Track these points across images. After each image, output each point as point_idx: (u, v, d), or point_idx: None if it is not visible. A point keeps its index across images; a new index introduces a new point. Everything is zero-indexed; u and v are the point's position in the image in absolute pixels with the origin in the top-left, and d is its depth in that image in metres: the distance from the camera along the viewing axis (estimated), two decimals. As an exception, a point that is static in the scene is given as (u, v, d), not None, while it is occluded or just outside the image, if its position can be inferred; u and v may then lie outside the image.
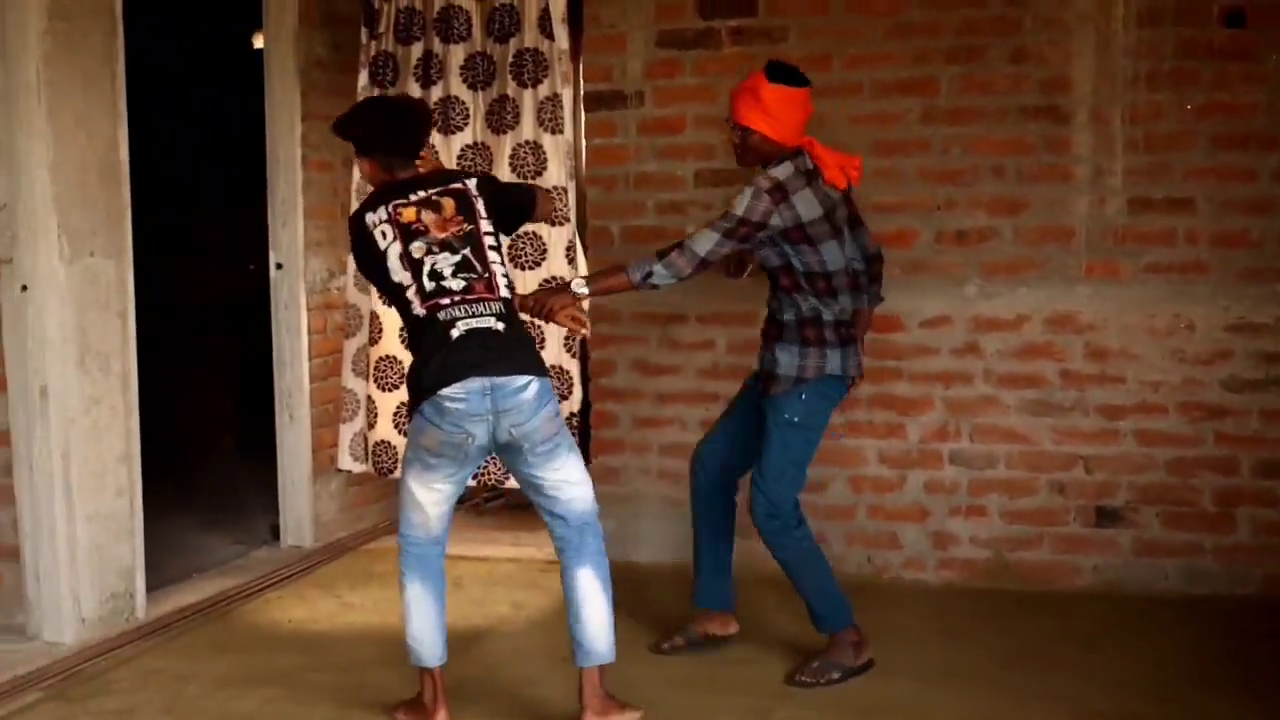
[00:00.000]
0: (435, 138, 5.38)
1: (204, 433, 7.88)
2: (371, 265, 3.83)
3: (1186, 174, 5.04)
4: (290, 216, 5.80)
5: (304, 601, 5.18)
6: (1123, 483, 5.16)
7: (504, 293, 3.78)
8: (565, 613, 3.86)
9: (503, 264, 3.83)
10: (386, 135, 3.91)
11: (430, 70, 5.58)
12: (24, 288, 4.48)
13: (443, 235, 3.75)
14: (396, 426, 5.69)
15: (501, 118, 5.51)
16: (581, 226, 5.67)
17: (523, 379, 3.67)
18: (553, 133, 5.45)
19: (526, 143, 5.47)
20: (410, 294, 3.73)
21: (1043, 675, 4.31)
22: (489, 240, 3.81)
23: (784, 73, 4.19)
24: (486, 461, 5.09)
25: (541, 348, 3.91)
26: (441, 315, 3.68)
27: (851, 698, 4.13)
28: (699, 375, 5.48)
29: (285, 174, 5.79)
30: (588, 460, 5.67)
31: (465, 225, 3.79)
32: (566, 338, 5.43)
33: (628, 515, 5.59)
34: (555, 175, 5.45)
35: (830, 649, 4.26)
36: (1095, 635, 4.69)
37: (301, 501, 5.92)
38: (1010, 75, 5.13)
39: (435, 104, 5.49)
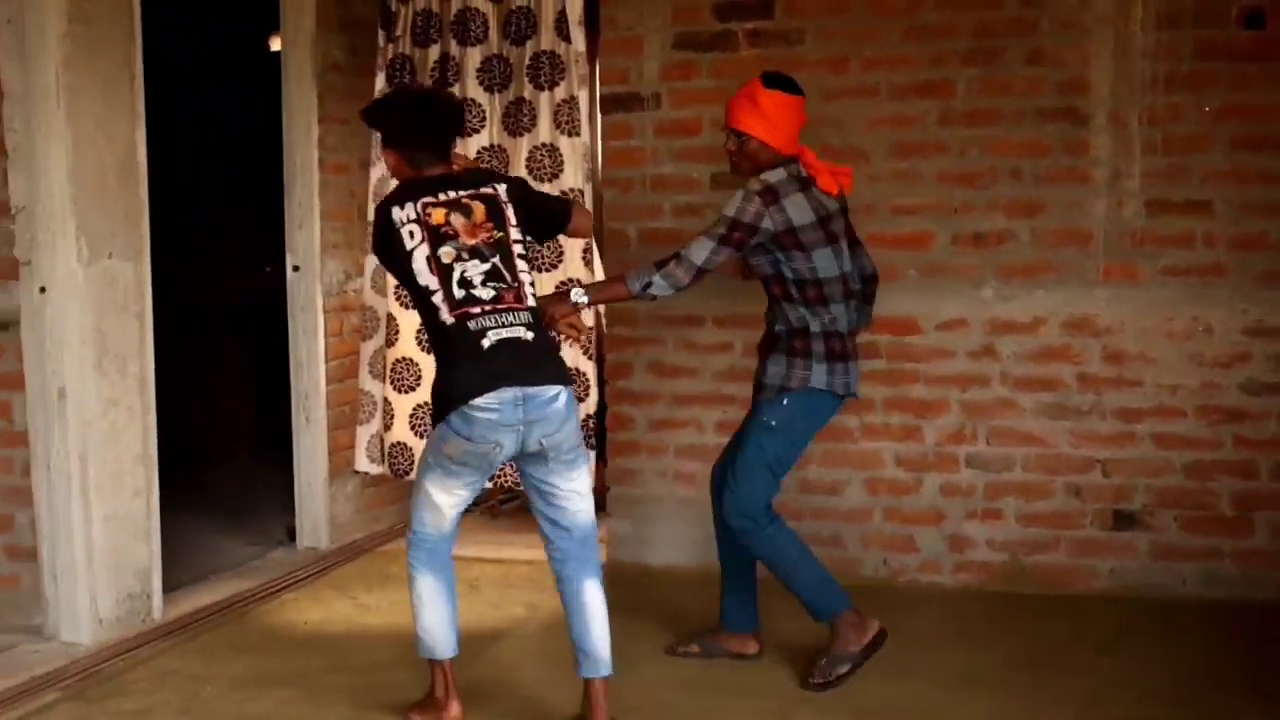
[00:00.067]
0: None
1: (221, 434, 7.89)
2: (394, 261, 3.77)
3: (1205, 176, 5.02)
4: (307, 219, 5.81)
5: (320, 603, 5.20)
6: (1140, 486, 5.14)
7: (531, 302, 3.74)
8: (569, 623, 3.85)
9: (529, 272, 3.79)
10: (413, 129, 3.83)
11: (447, 73, 5.59)
12: (42, 289, 4.51)
13: (472, 241, 3.69)
14: (413, 428, 5.71)
15: (518, 120, 5.52)
16: (598, 229, 5.67)
17: (553, 389, 3.66)
18: (569, 135, 5.46)
19: (543, 145, 5.48)
20: (437, 299, 3.66)
21: (1059, 679, 4.29)
22: (518, 249, 3.76)
23: (780, 80, 4.22)
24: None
25: (557, 350, 3.90)
26: (472, 325, 3.62)
27: (866, 699, 4.12)
28: (716, 377, 5.48)
29: (302, 176, 5.80)
30: (603, 462, 5.70)
31: (495, 232, 3.73)
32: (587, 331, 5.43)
33: (643, 517, 5.59)
34: (572, 177, 5.46)
35: (832, 641, 4.23)
36: (1111, 639, 4.68)
37: (318, 503, 5.93)
38: (1028, 77, 5.12)
39: (452, 106, 5.49)
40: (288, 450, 5.99)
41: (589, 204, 5.49)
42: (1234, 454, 5.05)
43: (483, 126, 5.55)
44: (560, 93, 5.46)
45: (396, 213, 3.72)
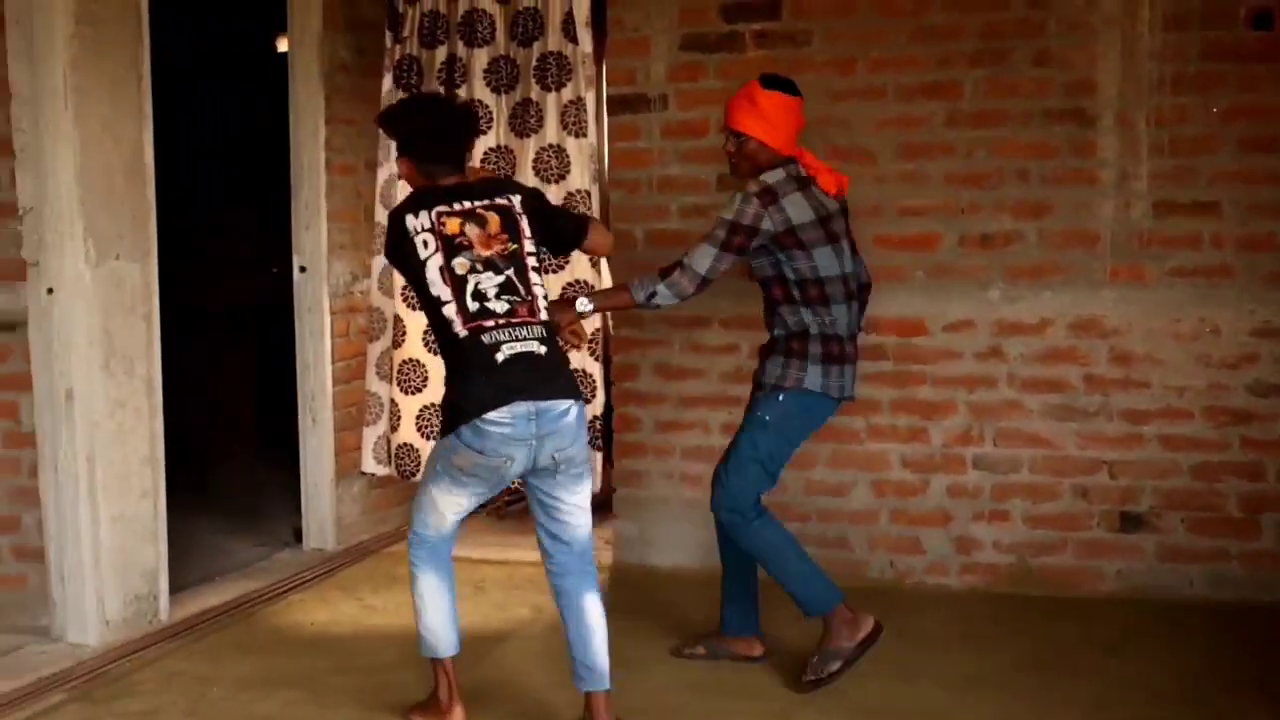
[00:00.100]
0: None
1: (227, 435, 7.90)
2: (406, 268, 3.75)
3: (1212, 177, 5.01)
4: (314, 220, 5.81)
5: (326, 604, 5.20)
6: (1147, 488, 5.13)
7: (544, 315, 3.73)
8: (569, 637, 3.83)
9: (542, 284, 3.78)
10: (426, 141, 3.80)
11: (454, 74, 5.60)
12: (50, 290, 4.51)
13: (487, 253, 3.67)
14: (419, 430, 5.71)
15: (525, 121, 5.52)
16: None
17: (565, 403, 3.65)
18: (576, 136, 5.46)
19: (550, 146, 5.48)
20: (450, 311, 3.64)
21: (1065, 681, 4.29)
22: (531, 261, 3.74)
23: (779, 81, 4.24)
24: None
25: (568, 363, 3.89)
26: (486, 338, 3.61)
27: (872, 701, 4.12)
28: (722, 379, 5.47)
29: (309, 177, 5.80)
30: (610, 464, 5.70)
31: (510, 244, 3.71)
32: (590, 340, 5.43)
33: (649, 519, 5.59)
34: (579, 179, 5.46)
35: (825, 637, 4.22)
36: (1119, 641, 4.67)
37: (324, 504, 5.94)
38: (1034, 78, 5.11)
39: (458, 108, 5.50)
40: (294, 452, 5.99)
41: (595, 205, 5.49)
42: (1241, 455, 5.05)
43: (490, 128, 5.55)
44: (567, 94, 5.46)
45: (410, 221, 3.69)
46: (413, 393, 5.70)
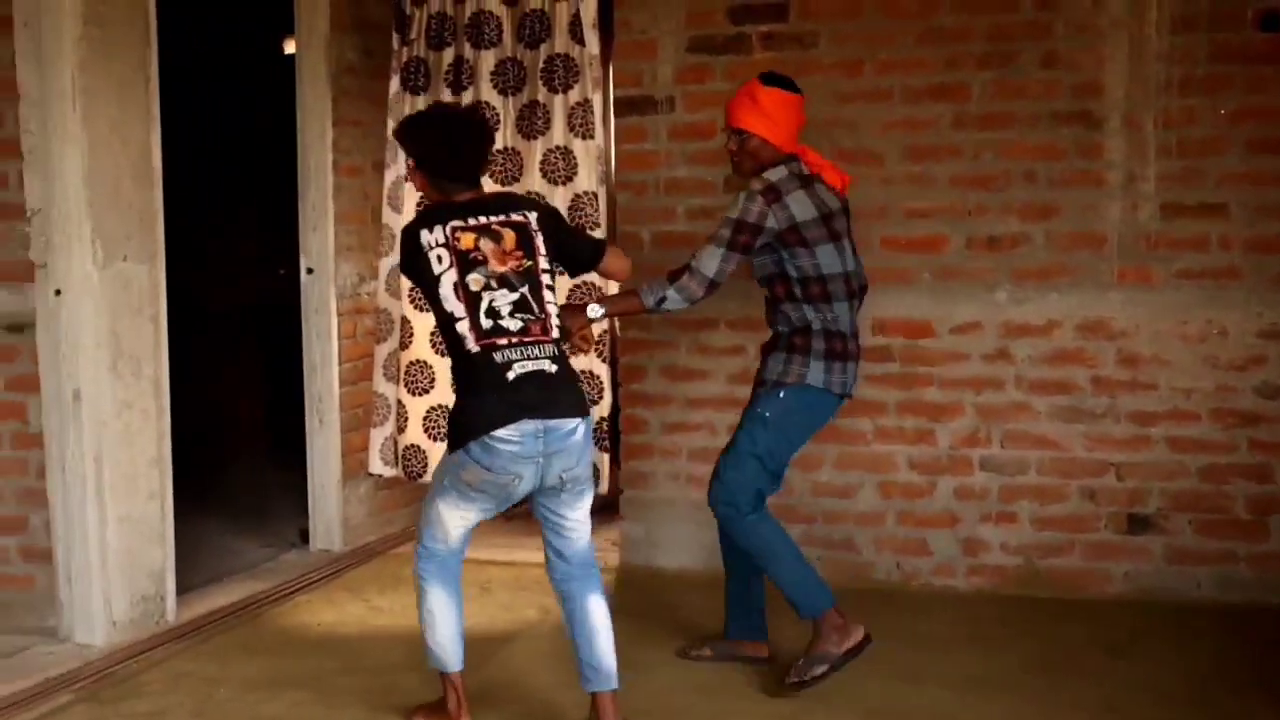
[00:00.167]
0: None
1: (234, 437, 7.91)
2: (421, 283, 3.73)
3: (1220, 179, 5.01)
4: (321, 221, 5.82)
5: (333, 605, 5.20)
6: (1154, 490, 5.13)
7: (556, 333, 3.73)
8: (574, 640, 3.82)
9: (555, 302, 3.77)
10: (443, 157, 3.77)
11: (461, 76, 5.60)
12: (58, 292, 4.52)
13: (501, 269, 3.65)
14: (426, 431, 5.71)
15: (532, 123, 5.53)
16: (612, 232, 5.67)
17: (572, 421, 3.64)
18: (583, 138, 5.46)
19: (557, 148, 5.49)
20: (463, 328, 3.62)
21: (1072, 683, 4.28)
22: (545, 279, 3.73)
23: (779, 79, 4.25)
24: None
25: (578, 380, 3.85)
26: (498, 356, 3.60)
27: (878, 703, 4.12)
28: (729, 380, 5.47)
29: (316, 179, 5.81)
30: (617, 465, 5.70)
31: (525, 261, 3.69)
32: (597, 343, 5.43)
33: (656, 521, 5.59)
34: (585, 181, 5.46)
35: (814, 641, 4.19)
36: (1126, 643, 4.67)
37: (331, 505, 5.94)
38: (1042, 80, 5.11)
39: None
40: (301, 453, 6.00)
41: (602, 207, 5.49)
42: (1249, 457, 5.04)
43: (497, 129, 5.55)
44: (574, 96, 5.46)
45: (425, 235, 3.68)
46: (420, 394, 5.70)
